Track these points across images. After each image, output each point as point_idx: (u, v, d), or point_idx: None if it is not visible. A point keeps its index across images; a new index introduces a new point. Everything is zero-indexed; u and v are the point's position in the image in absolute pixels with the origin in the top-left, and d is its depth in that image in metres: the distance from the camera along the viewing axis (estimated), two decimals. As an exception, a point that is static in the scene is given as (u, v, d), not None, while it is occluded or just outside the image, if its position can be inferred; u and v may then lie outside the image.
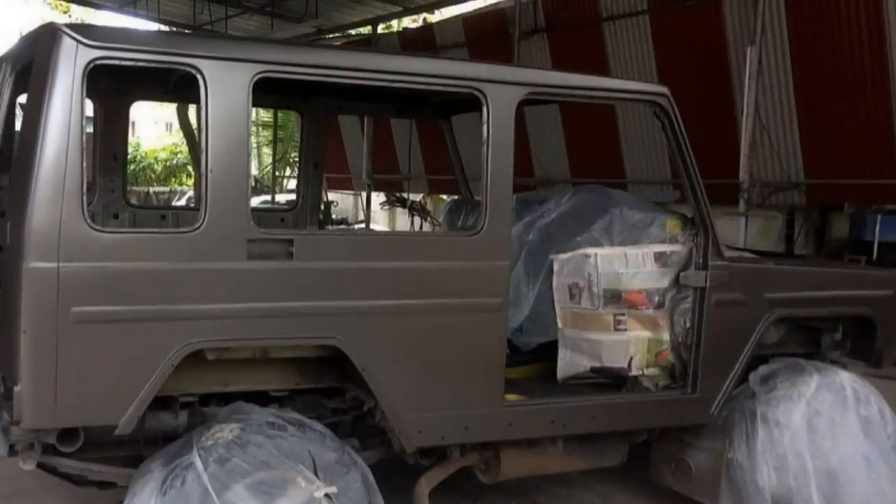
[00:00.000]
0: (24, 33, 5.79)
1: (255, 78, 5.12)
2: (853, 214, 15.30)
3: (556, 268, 6.60)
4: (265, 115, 35.54)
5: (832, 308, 7.26)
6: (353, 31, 27.32)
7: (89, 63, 4.77)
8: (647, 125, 17.73)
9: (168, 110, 44.79)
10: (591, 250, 6.50)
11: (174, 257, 4.99)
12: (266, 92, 5.60)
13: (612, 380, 6.60)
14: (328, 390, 5.99)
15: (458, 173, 8.41)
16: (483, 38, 21.74)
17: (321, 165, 8.54)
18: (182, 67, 5.06)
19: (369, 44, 25.39)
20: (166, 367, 4.97)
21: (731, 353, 6.71)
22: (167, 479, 4.94)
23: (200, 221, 5.02)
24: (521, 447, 6.37)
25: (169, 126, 55.29)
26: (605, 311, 6.45)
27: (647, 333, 6.50)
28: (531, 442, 6.37)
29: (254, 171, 34.03)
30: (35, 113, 4.76)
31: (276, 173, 34.26)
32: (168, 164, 48.34)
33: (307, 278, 5.31)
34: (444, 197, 22.69)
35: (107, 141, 7.38)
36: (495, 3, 23.11)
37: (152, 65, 5.06)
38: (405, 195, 10.60)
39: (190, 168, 41.95)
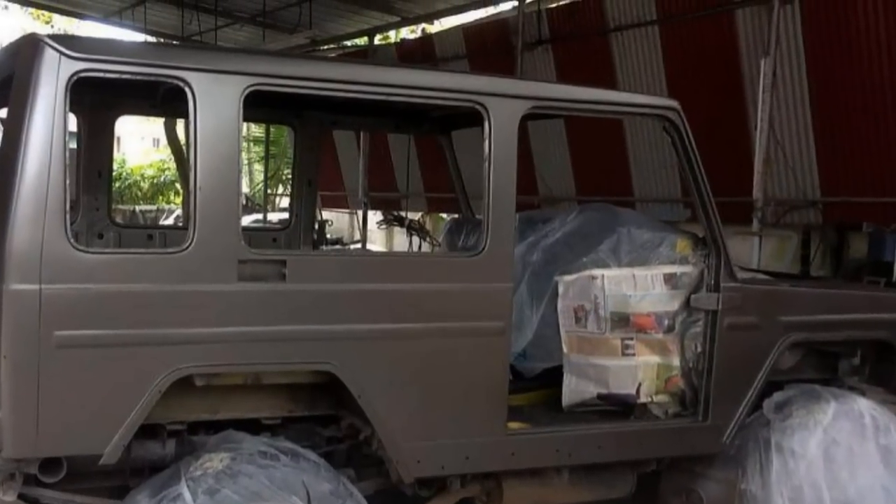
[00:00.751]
0: (4, 44, 5.81)
1: (246, 91, 5.13)
2: (872, 234, 15.27)
3: (560, 290, 6.61)
4: (257, 130, 35.59)
5: (850, 332, 7.26)
6: (348, 43, 27.36)
7: (73, 76, 4.78)
8: (656, 141, 17.70)
9: (155, 125, 44.75)
10: (597, 272, 6.50)
11: (161, 279, 4.99)
12: (257, 106, 5.60)
13: (619, 407, 6.60)
14: (323, 418, 5.98)
15: (458, 191, 8.43)
16: (485, 49, 21.77)
17: (315, 183, 8.55)
18: (170, 80, 5.07)
19: (366, 55, 25.43)
20: (153, 393, 4.97)
21: (744, 379, 6.71)
22: (154, 512, 4.95)
23: (189, 241, 5.02)
24: (525, 477, 6.35)
25: (156, 141, 55.31)
26: (612, 335, 6.45)
27: (656, 358, 6.50)
28: (535, 472, 6.36)
29: (245, 188, 34.07)
30: (16, 128, 4.77)
31: (269, 191, 34.27)
32: (155, 181, 48.38)
33: (301, 301, 5.32)
34: (444, 216, 22.70)
35: (91, 157, 7.40)
36: (497, 13, 23.13)
37: (139, 77, 5.08)
38: (403, 214, 10.60)
39: (178, 185, 42.02)
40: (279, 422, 5.78)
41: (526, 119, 5.95)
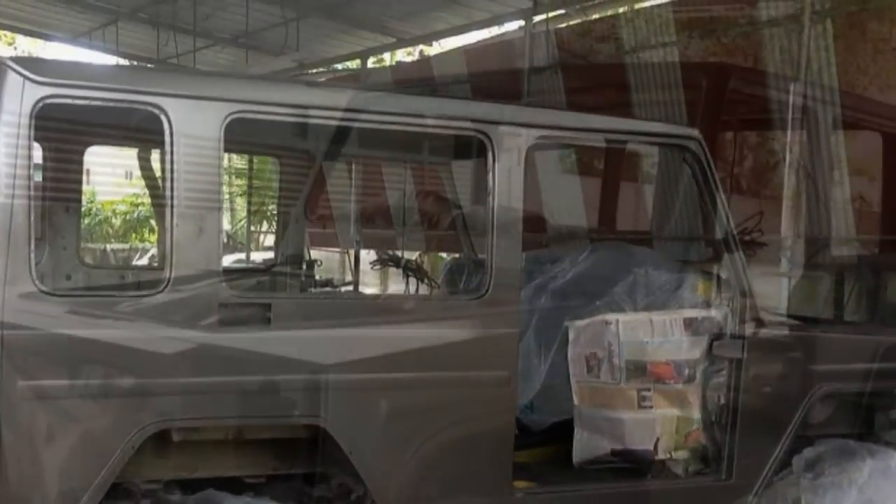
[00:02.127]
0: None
1: (228, 119, 5.14)
2: (911, 275, 15.27)
3: (571, 336, 6.61)
4: (239, 161, 35.58)
5: (887, 382, 7.25)
6: (339, 66, 27.36)
7: (38, 102, 4.80)
8: (675, 172, 17.70)
9: (128, 156, 44.75)
10: (611, 316, 6.50)
11: (135, 324, 5.00)
12: (240, 135, 5.62)
13: (635, 464, 6.58)
14: (311, 476, 5.96)
15: (459, 228, 8.42)
16: (488, 73, 21.78)
17: (303, 219, 8.54)
18: (144, 107, 5.08)
19: (358, 80, 25.45)
20: (126, 449, 4.96)
21: (771, 433, 6.70)
22: (125, 579, 4.94)
23: (165, 283, 5.03)
24: (532, 541, 6.34)
25: (129, 174, 55.19)
26: (627, 385, 6.44)
27: (675, 411, 6.49)
28: (543, 536, 6.35)
29: (226, 225, 34.04)
30: (-24, 159, 4.77)
31: (252, 228, 34.27)
32: (128, 217, 48.33)
33: (287, 348, 5.31)
34: (444, 255, 22.68)
35: (58, 191, 7.40)
36: (502, 34, 23.17)
37: (110, 104, 5.09)
38: (399, 253, 10.62)
39: (153, 222, 41.96)
40: (263, 480, 5.75)
41: (533, 149, 5.97)
